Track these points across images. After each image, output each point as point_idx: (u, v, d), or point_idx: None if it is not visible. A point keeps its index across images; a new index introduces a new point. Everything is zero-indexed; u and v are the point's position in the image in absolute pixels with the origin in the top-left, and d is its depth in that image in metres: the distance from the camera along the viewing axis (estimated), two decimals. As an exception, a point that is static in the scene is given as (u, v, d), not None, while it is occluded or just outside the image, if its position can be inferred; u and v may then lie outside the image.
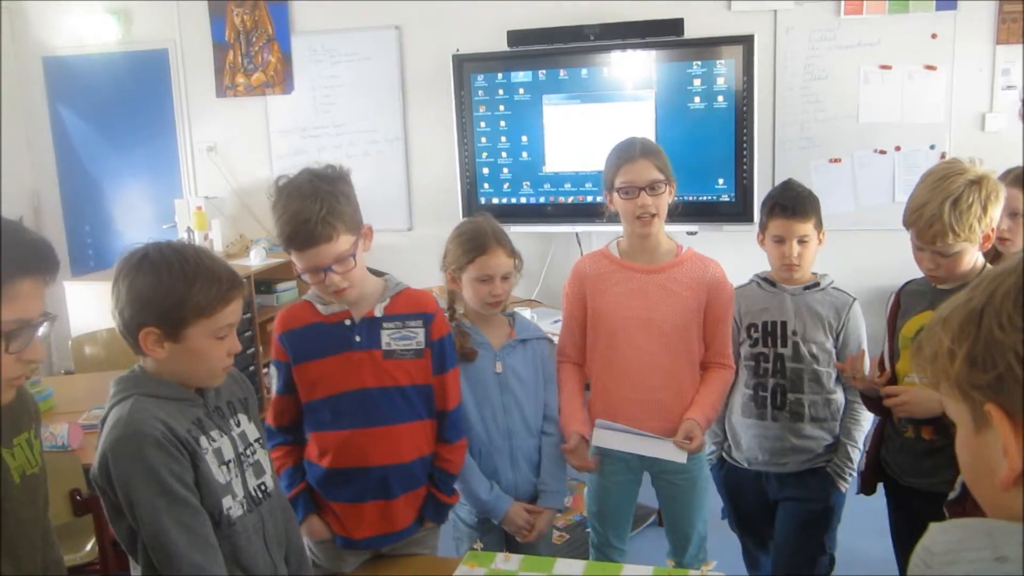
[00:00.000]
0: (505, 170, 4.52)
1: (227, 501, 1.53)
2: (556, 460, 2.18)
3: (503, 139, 4.48)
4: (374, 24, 4.80)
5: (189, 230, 4.85)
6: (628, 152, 2.14)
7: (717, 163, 4.16)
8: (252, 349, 4.52)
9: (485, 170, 4.55)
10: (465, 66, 4.47)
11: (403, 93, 4.85)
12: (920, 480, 2.03)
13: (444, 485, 2.00)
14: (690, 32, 4.16)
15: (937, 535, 0.80)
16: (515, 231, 2.20)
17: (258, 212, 5.07)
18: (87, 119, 5.40)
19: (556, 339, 2.34)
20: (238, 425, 1.63)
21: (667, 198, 2.14)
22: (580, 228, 4.43)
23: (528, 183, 4.49)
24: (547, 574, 1.85)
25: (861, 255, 3.95)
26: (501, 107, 4.45)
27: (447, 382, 1.96)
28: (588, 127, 4.31)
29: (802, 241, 2.24)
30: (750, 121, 4.07)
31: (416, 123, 4.86)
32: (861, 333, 2.28)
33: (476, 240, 2.07)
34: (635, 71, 4.24)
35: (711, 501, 2.33)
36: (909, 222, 1.93)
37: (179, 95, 5.20)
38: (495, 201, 4.52)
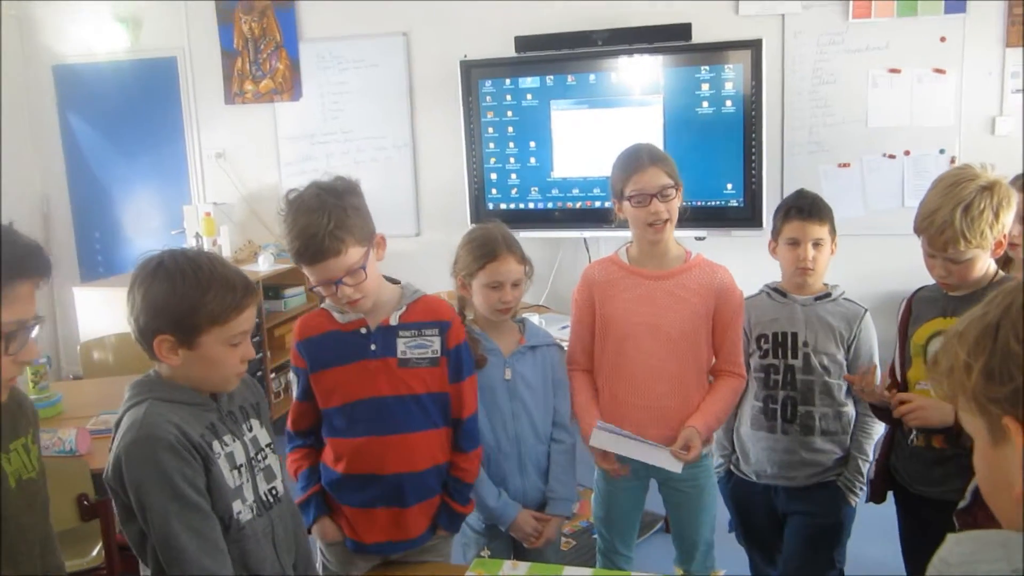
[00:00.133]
0: (513, 175, 4.52)
1: (237, 505, 1.54)
2: (565, 467, 2.18)
3: (511, 144, 4.49)
4: (382, 31, 4.82)
5: (198, 236, 4.87)
6: (636, 160, 2.14)
7: (725, 168, 4.15)
8: (260, 355, 4.54)
9: (493, 175, 4.56)
10: (473, 72, 4.48)
11: (411, 99, 4.86)
12: (930, 489, 2.02)
13: (459, 494, 1.99)
14: (698, 37, 4.16)
15: (953, 546, 0.80)
16: (523, 236, 2.20)
17: (266, 218, 5.10)
18: (96, 126, 5.43)
19: (565, 345, 2.34)
20: (250, 430, 1.64)
21: (677, 203, 2.15)
22: (588, 233, 4.43)
23: (536, 188, 4.49)
24: (556, 582, 1.85)
25: (870, 260, 3.94)
26: (509, 113, 4.46)
27: (463, 390, 1.96)
28: (596, 132, 4.31)
29: (817, 245, 2.23)
30: (758, 126, 4.06)
31: (424, 129, 4.87)
32: (872, 344, 2.27)
33: (487, 247, 2.08)
34: (643, 76, 4.24)
35: (718, 510, 2.32)
36: (920, 229, 1.92)
37: (188, 102, 5.22)
38: (503, 206, 4.53)
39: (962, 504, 1.44)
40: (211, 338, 1.49)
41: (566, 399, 2.21)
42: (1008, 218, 1.86)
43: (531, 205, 4.51)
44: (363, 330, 1.88)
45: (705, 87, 4.14)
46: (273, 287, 4.78)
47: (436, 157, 4.86)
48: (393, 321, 1.88)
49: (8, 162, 5.01)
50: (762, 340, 2.29)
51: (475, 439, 2.01)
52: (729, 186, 4.17)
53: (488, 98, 4.48)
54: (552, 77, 4.37)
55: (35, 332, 1.36)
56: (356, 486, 1.92)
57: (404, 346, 1.88)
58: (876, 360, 2.25)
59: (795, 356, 2.25)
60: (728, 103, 4.12)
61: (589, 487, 2.50)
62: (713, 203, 4.19)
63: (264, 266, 4.69)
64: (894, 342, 2.14)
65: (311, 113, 5.02)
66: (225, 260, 1.59)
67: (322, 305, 1.95)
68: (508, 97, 4.45)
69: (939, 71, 4.09)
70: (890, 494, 2.19)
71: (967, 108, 4.09)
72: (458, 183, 4.61)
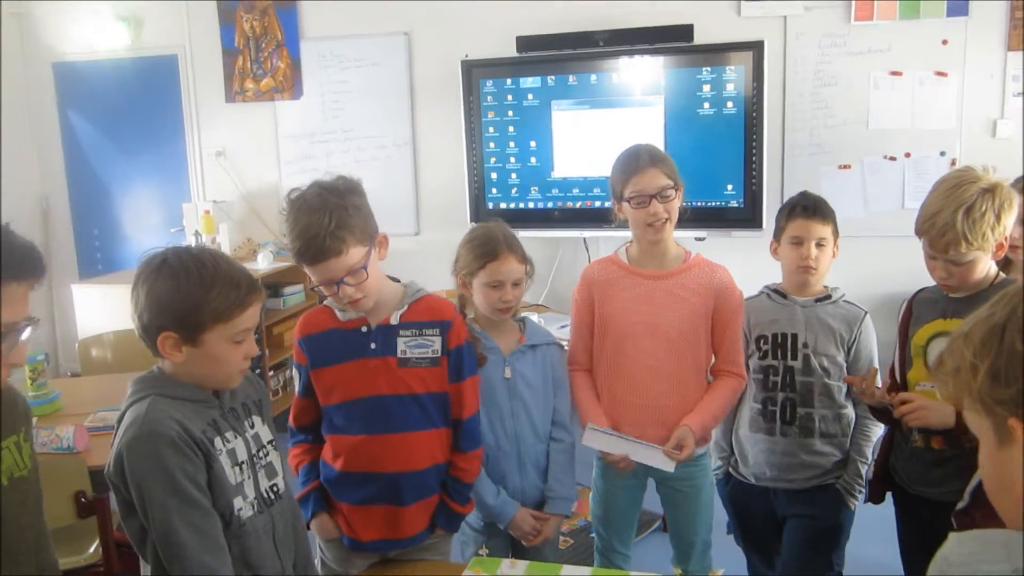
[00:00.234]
0: (513, 175, 4.52)
1: (238, 502, 1.54)
2: (564, 466, 2.18)
3: (511, 144, 4.49)
4: (383, 30, 4.81)
5: (197, 234, 4.87)
6: (635, 161, 2.14)
7: (726, 169, 4.15)
8: (259, 352, 4.53)
9: (493, 175, 4.56)
10: (474, 72, 4.48)
11: (412, 98, 4.86)
12: (929, 489, 2.02)
13: (458, 494, 1.99)
14: (699, 38, 4.16)
15: (954, 546, 0.81)
16: (523, 236, 2.20)
17: (266, 216, 5.10)
18: (96, 124, 5.42)
19: (565, 344, 2.34)
20: (252, 427, 1.64)
21: (677, 203, 2.15)
22: (588, 233, 4.43)
23: (536, 188, 4.49)
24: (554, 580, 1.85)
25: (871, 261, 3.94)
26: (510, 112, 4.46)
27: (464, 391, 1.95)
28: (597, 133, 4.31)
29: (820, 244, 2.22)
30: (759, 127, 4.07)
31: (425, 128, 4.87)
32: (872, 347, 2.26)
33: (488, 246, 2.08)
34: (644, 77, 4.24)
35: (716, 510, 2.31)
36: (921, 231, 1.92)
37: (188, 100, 5.22)
38: (503, 206, 4.53)
39: (960, 505, 1.44)
40: (215, 335, 1.49)
41: (566, 398, 2.21)
42: (1009, 220, 1.87)
43: (531, 205, 4.51)
44: (363, 328, 1.88)
45: (706, 88, 4.14)
46: (272, 285, 4.78)
47: (436, 156, 4.86)
48: (394, 320, 1.88)
49: (8, 159, 5.02)
50: (761, 341, 2.28)
51: (475, 439, 2.00)
52: (729, 187, 4.17)
53: (489, 98, 4.48)
54: (553, 77, 4.37)
55: (26, 334, 1.35)
56: (354, 483, 1.92)
57: (404, 345, 1.88)
58: (876, 363, 2.24)
59: (795, 357, 2.24)
60: (729, 104, 4.12)
61: (587, 486, 2.50)
62: (713, 204, 4.19)
63: (263, 264, 4.69)
64: (894, 343, 2.14)
65: (312, 112, 5.01)
66: (229, 257, 1.59)
67: (325, 302, 1.95)
68: (509, 97, 4.45)
69: (941, 74, 4.10)
70: (889, 495, 2.19)
71: (968, 111, 4.10)
72: (458, 182, 4.61)
